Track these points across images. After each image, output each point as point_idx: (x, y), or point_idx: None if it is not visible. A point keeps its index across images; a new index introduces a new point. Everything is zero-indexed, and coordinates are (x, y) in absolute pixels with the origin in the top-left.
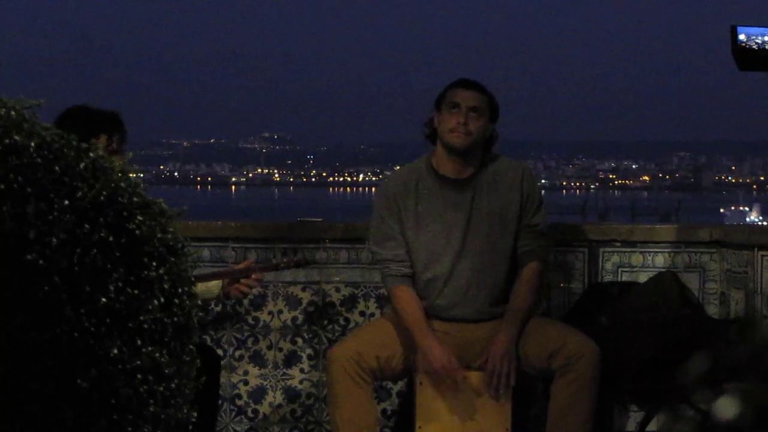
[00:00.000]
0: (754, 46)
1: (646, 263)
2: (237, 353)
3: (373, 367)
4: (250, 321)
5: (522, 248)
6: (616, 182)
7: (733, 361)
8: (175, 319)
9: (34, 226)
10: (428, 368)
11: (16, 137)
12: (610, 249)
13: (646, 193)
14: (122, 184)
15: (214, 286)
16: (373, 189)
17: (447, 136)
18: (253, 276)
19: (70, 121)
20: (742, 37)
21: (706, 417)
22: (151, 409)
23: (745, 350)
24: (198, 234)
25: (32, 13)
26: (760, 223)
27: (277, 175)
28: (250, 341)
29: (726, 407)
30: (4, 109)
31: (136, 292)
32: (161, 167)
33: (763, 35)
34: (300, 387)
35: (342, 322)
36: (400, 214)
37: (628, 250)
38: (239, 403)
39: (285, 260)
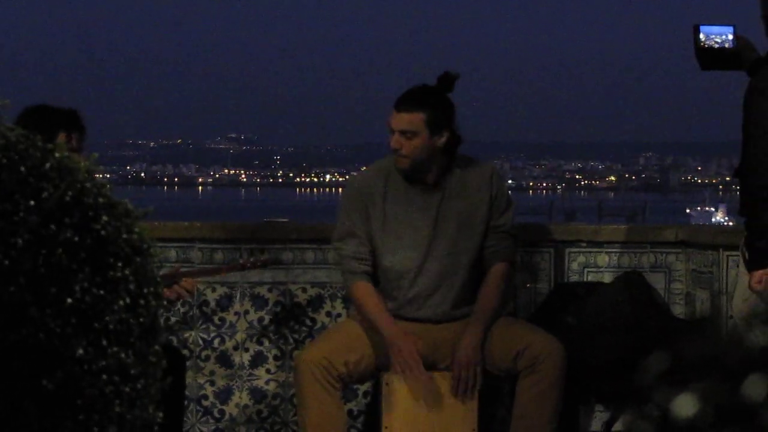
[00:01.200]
0: (714, 45)
1: (612, 263)
2: (203, 353)
3: (342, 372)
4: (217, 321)
5: (489, 249)
6: (582, 183)
7: (693, 360)
8: (141, 319)
9: None
10: (399, 357)
11: None
12: (576, 249)
13: (612, 194)
14: (88, 185)
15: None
16: (340, 190)
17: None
18: (183, 282)
19: (29, 120)
20: (702, 36)
21: (665, 415)
22: (117, 409)
23: (706, 349)
24: (164, 234)
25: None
26: (725, 223)
27: (243, 176)
28: (216, 342)
29: (685, 405)
30: None
31: (101, 292)
32: (128, 167)
33: (722, 34)
34: (266, 388)
35: (308, 322)
36: (367, 212)
37: (594, 250)
38: (206, 403)
39: (252, 260)
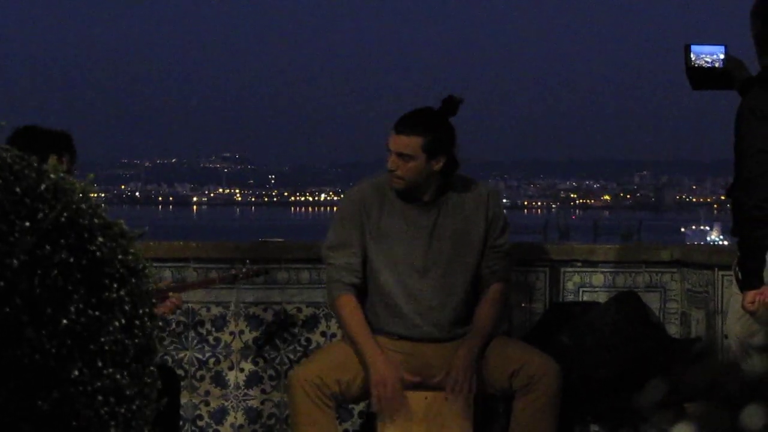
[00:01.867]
0: (704, 65)
1: (607, 283)
2: (198, 373)
3: (334, 391)
4: (212, 341)
5: (487, 269)
6: (577, 201)
7: (692, 384)
8: (137, 340)
9: None
10: (376, 380)
11: None
12: (571, 269)
13: (607, 213)
14: (83, 206)
15: None
16: (335, 209)
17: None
18: (171, 297)
19: (20, 141)
20: (692, 56)
21: None
22: (113, 430)
23: (705, 372)
24: (159, 254)
25: None
26: (720, 242)
27: (238, 195)
28: (211, 361)
29: (685, 431)
30: None
31: (97, 313)
32: (122, 187)
33: (712, 54)
34: (261, 408)
35: (303, 342)
36: (362, 224)
37: (590, 270)
38: (200, 423)
39: (244, 270)
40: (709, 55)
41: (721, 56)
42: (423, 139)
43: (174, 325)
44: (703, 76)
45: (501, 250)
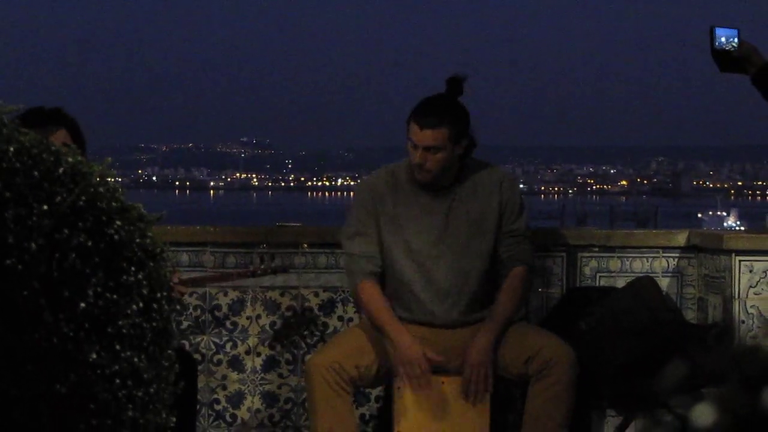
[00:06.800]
0: (726, 48)
1: (625, 268)
2: (215, 358)
3: (353, 376)
4: (229, 326)
5: (505, 253)
6: (594, 187)
7: (711, 367)
8: (154, 323)
9: (12, 231)
10: (401, 360)
11: None
12: (588, 254)
13: (624, 198)
14: (101, 189)
15: None
16: (352, 194)
17: (414, 169)
18: (178, 289)
19: (26, 122)
20: (717, 38)
21: (684, 423)
22: (130, 413)
23: (723, 356)
24: (176, 239)
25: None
26: (737, 228)
27: (255, 180)
28: (228, 346)
29: (704, 413)
30: None
31: (115, 297)
32: (140, 171)
33: (729, 37)
34: (278, 392)
35: (320, 327)
36: (378, 213)
37: (607, 255)
38: (218, 408)
39: (262, 267)
40: (727, 37)
41: (735, 40)
42: (449, 130)
43: (191, 310)
44: (728, 59)
45: (517, 234)
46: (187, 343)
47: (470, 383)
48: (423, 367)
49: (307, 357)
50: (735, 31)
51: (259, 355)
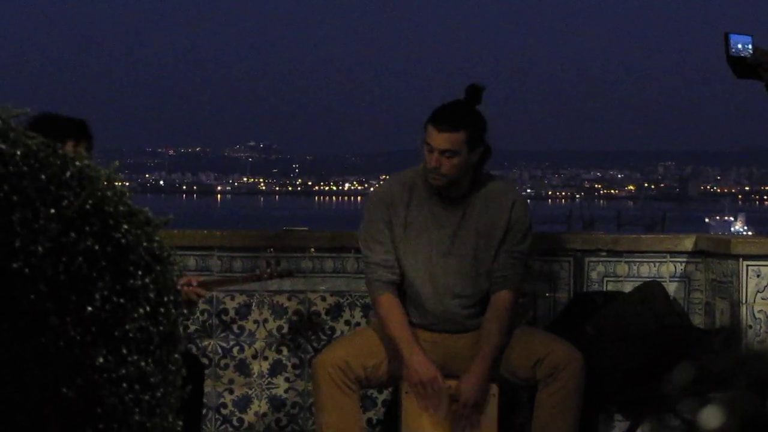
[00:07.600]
0: (741, 54)
1: (632, 273)
2: (222, 362)
3: (359, 375)
4: (236, 330)
5: (498, 272)
6: (601, 192)
7: (718, 371)
8: (161, 327)
9: (19, 235)
10: (413, 380)
11: (2, 146)
12: (595, 258)
13: (631, 203)
14: (108, 193)
15: None
16: (359, 198)
17: (428, 173)
18: (198, 291)
19: (36, 129)
20: (732, 44)
21: (691, 426)
22: (137, 417)
23: (730, 359)
24: (183, 243)
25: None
26: (745, 232)
27: (262, 184)
28: (235, 350)
29: (711, 417)
30: None
31: (121, 300)
32: (147, 176)
33: (745, 43)
34: (285, 396)
35: (327, 331)
36: (391, 220)
37: (614, 259)
38: (224, 412)
39: (269, 271)
40: (742, 44)
41: (749, 47)
42: (465, 135)
43: (198, 314)
44: (744, 65)
45: (516, 256)
46: (194, 347)
47: (462, 419)
48: (436, 389)
49: (315, 357)
50: (749, 38)
51: (266, 359)
